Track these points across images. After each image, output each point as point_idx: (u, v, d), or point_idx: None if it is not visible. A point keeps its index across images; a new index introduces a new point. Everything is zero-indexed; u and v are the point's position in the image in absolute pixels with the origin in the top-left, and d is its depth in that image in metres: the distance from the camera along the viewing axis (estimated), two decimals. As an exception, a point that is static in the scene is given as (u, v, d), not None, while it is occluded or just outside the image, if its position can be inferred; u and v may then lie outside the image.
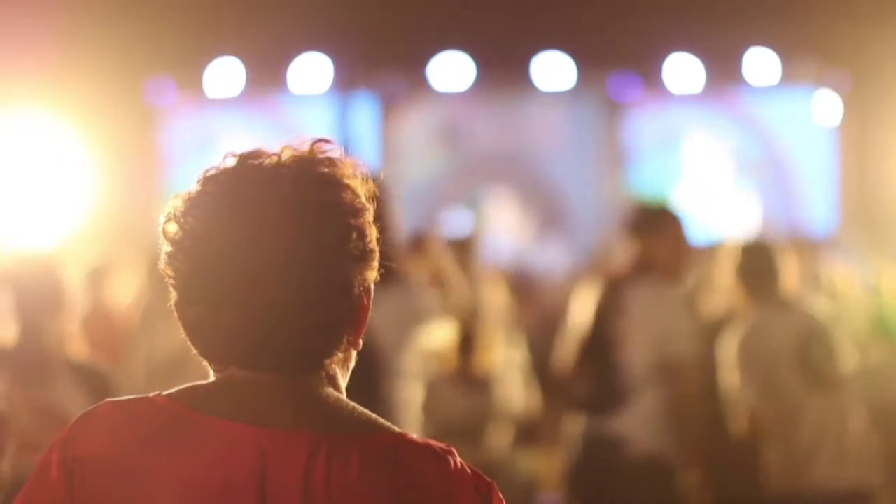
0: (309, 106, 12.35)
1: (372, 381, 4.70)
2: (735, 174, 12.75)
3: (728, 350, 5.27)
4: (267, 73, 11.86)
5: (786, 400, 5.12)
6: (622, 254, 5.66)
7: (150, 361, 6.11)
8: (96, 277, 7.23)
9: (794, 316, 5.25)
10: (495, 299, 7.26)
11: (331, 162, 1.64)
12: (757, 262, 5.31)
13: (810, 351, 5.15)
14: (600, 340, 5.39)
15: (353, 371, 1.71)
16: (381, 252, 1.66)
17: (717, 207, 12.55)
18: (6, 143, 10.13)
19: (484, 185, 13.11)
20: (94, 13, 10.47)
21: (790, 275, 5.34)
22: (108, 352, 6.06)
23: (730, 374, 5.25)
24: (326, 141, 1.66)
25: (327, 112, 12.36)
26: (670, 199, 10.76)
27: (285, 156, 1.63)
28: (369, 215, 1.64)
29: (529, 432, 6.86)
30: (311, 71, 11.82)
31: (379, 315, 1.73)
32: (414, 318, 5.20)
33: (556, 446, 5.83)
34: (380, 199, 1.68)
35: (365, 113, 12.58)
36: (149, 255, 6.68)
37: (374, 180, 1.68)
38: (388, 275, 1.69)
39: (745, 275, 5.30)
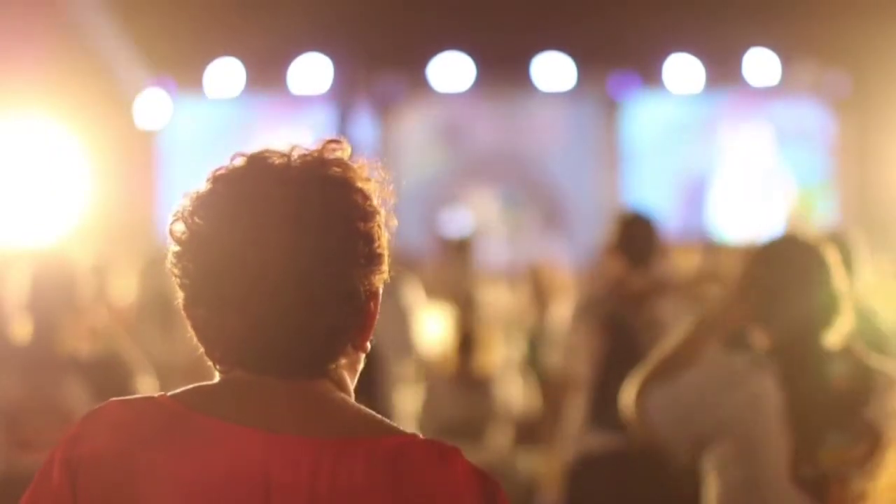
0: (309, 106, 12.34)
1: (370, 380, 4.70)
2: (734, 175, 12.74)
3: None
4: (267, 73, 11.85)
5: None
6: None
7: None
8: (95, 277, 7.23)
9: (862, 318, 5.06)
10: (495, 299, 7.25)
11: (342, 164, 1.62)
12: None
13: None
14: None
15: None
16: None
17: (718, 208, 12.54)
18: (4, 143, 10.12)
19: (484, 185, 13.11)
20: (93, 13, 10.46)
21: (865, 273, 5.07)
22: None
23: None
24: (338, 141, 1.63)
25: (327, 112, 12.36)
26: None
27: (295, 156, 1.61)
28: (380, 219, 1.62)
29: (529, 432, 6.86)
30: (311, 71, 11.81)
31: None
32: (408, 317, 5.18)
33: (555, 446, 5.81)
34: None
35: (364, 113, 12.57)
36: (145, 256, 6.68)
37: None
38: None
39: None
